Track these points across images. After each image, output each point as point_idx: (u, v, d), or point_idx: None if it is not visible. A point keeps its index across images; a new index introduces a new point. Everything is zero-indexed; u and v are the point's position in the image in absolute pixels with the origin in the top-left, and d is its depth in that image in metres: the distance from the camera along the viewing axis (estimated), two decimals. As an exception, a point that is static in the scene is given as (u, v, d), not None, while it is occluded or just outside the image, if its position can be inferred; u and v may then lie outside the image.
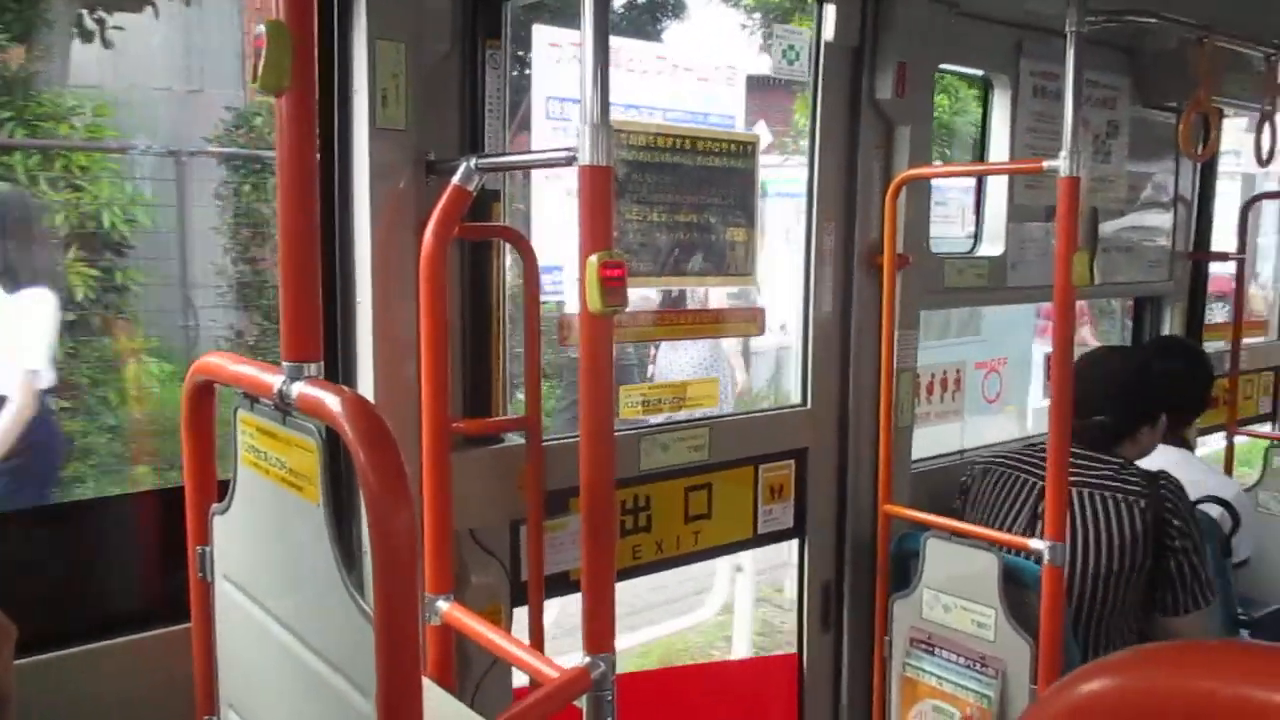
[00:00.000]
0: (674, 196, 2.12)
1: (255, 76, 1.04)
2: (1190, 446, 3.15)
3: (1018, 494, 2.46)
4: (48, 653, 1.53)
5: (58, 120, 4.49)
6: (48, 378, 3.07)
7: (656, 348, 5.70)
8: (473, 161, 1.60)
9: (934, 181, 2.76)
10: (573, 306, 2.10)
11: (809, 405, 2.52)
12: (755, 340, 5.54)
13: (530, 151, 1.65)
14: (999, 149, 2.92)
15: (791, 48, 2.45)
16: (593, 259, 1.27)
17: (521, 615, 1.96)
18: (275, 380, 1.12)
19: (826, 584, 2.60)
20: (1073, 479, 2.15)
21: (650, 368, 5.59)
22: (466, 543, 1.90)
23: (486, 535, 1.94)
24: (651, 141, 2.07)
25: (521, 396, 1.94)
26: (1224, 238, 3.79)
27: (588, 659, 1.36)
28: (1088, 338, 6.10)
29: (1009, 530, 2.40)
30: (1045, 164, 2.07)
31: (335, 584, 1.10)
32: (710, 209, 2.18)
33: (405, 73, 1.70)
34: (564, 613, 3.12)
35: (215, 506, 1.39)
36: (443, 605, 1.69)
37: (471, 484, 1.84)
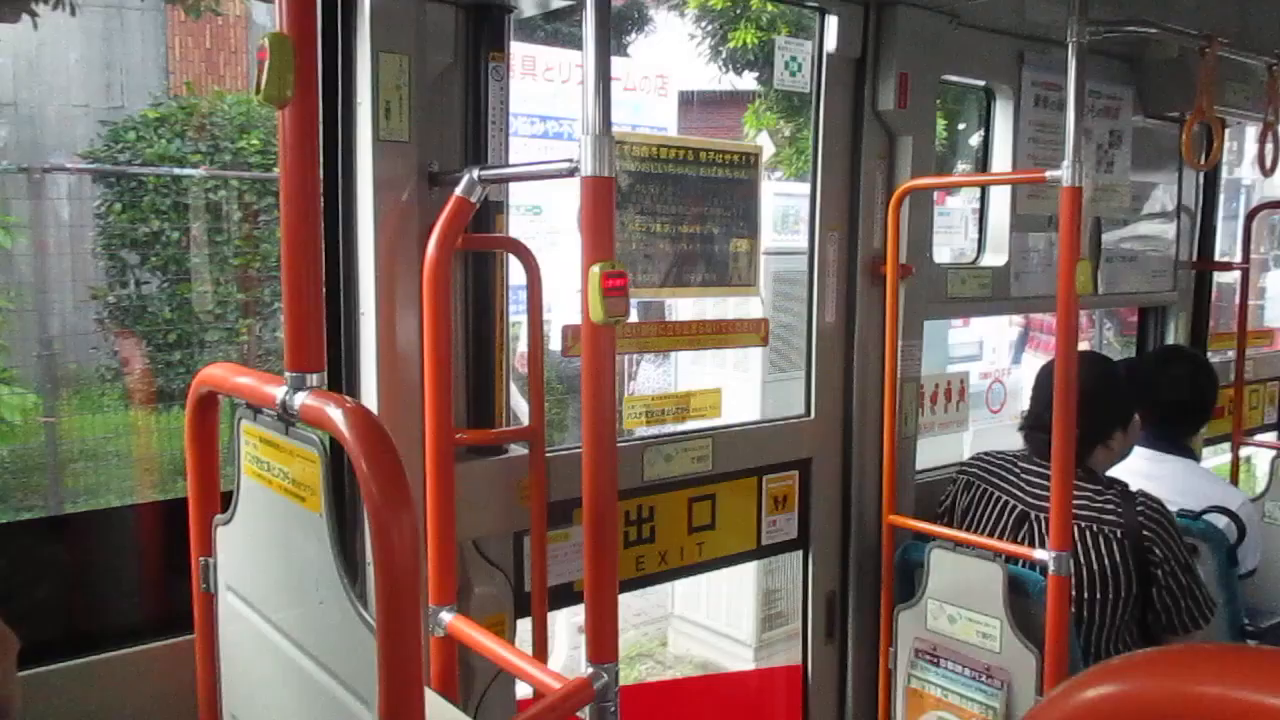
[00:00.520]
0: (677, 207, 2.12)
1: (258, 88, 1.05)
2: (1196, 456, 3.14)
3: (998, 511, 2.44)
4: (51, 664, 1.53)
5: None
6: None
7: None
8: (475, 173, 1.61)
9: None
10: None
11: (812, 415, 2.52)
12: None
13: (533, 163, 1.66)
14: (1001, 159, 2.92)
15: (794, 59, 2.46)
16: (595, 269, 1.27)
17: (525, 626, 1.96)
18: (278, 391, 1.12)
19: (830, 595, 2.59)
20: (1045, 502, 2.16)
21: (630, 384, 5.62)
22: (470, 554, 1.90)
23: (490, 546, 1.94)
24: (654, 153, 2.08)
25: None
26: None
27: (591, 669, 1.36)
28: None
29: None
30: (1048, 174, 2.08)
31: (338, 594, 1.10)
32: (713, 220, 2.18)
33: (408, 85, 1.70)
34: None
35: (218, 517, 1.39)
36: (446, 616, 1.69)
37: (475, 494, 1.84)
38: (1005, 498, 2.44)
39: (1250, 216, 3.73)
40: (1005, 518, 2.42)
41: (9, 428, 4.39)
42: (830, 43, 2.41)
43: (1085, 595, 2.28)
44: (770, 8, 9.02)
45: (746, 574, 4.54)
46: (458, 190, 1.62)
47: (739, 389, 4.50)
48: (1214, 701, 0.46)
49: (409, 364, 1.74)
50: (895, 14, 2.42)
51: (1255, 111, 3.08)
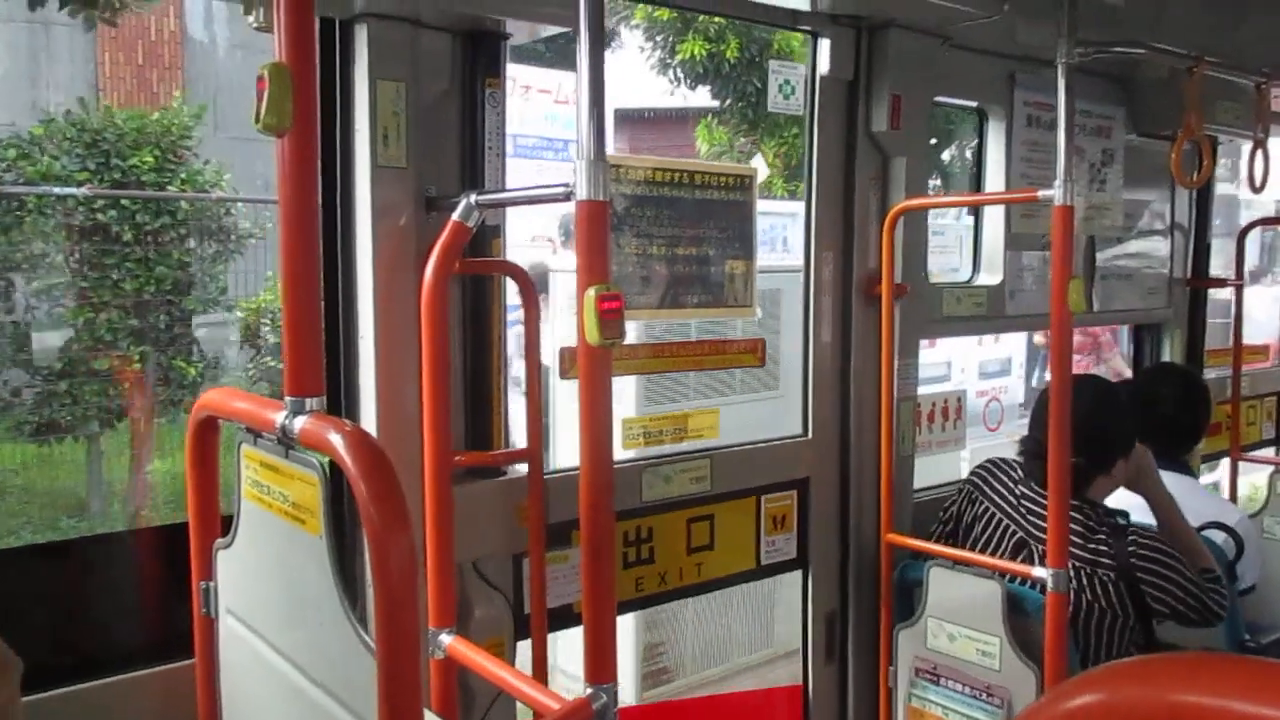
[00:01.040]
0: (672, 230, 2.14)
1: (257, 117, 1.06)
2: (1194, 473, 3.15)
3: (999, 535, 2.43)
4: (52, 689, 1.53)
5: None
6: None
7: None
8: (472, 198, 1.62)
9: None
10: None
11: (810, 435, 2.53)
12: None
13: (529, 188, 1.67)
14: (995, 179, 2.94)
15: (787, 82, 2.48)
16: (590, 292, 1.29)
17: (525, 648, 1.96)
18: (278, 415, 1.13)
19: (830, 614, 2.59)
20: (1042, 534, 2.15)
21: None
22: (469, 576, 1.91)
23: (489, 568, 1.95)
24: (650, 176, 2.10)
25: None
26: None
27: (589, 690, 1.36)
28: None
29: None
30: (1040, 193, 2.10)
31: (338, 617, 1.11)
32: (709, 241, 2.20)
33: (405, 111, 1.72)
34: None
35: (219, 541, 1.39)
36: (446, 639, 1.69)
37: (473, 517, 1.85)
38: (1006, 521, 2.43)
39: (1243, 233, 3.75)
40: (1005, 542, 2.40)
41: None
42: (823, 65, 2.44)
43: (1084, 621, 2.27)
44: (717, 20, 9.03)
45: (625, 627, 4.32)
46: (455, 215, 1.64)
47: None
48: (1199, 711, 0.46)
49: (407, 387, 1.75)
50: (887, 36, 2.44)
51: (1245, 129, 3.11)
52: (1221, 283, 3.77)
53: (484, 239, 1.84)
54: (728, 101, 9.98)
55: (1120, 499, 2.49)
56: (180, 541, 1.46)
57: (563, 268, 3.84)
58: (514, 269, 1.87)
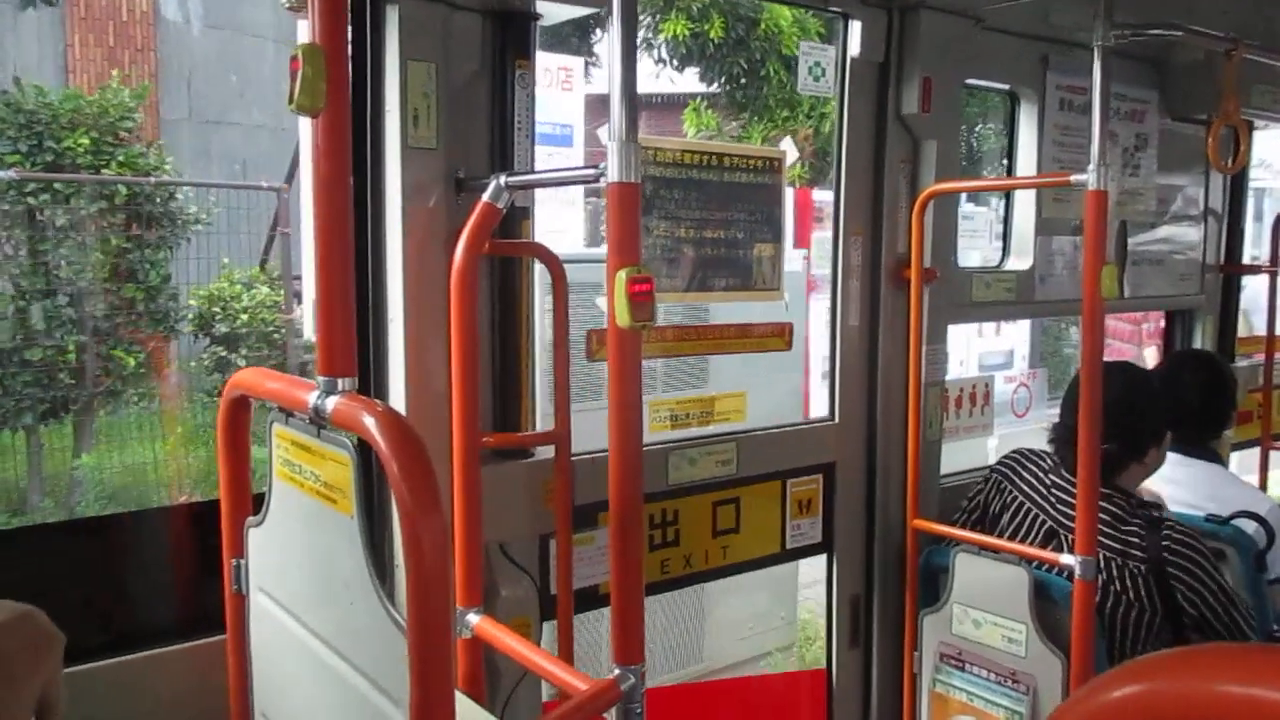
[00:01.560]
0: (701, 213, 2.13)
1: (291, 99, 1.06)
2: (1223, 461, 3.12)
3: (1028, 523, 2.40)
4: (85, 664, 1.56)
5: None
6: None
7: None
8: (502, 179, 1.62)
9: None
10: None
11: (837, 420, 2.52)
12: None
13: (559, 169, 1.67)
14: (1026, 163, 2.91)
15: (818, 64, 2.46)
16: (621, 274, 1.29)
17: (550, 629, 1.97)
18: (310, 395, 1.14)
19: (855, 599, 2.59)
20: (1072, 523, 2.13)
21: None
22: (496, 556, 1.92)
23: (516, 549, 1.96)
24: (679, 158, 2.09)
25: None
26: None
27: (617, 671, 1.37)
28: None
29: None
30: (1073, 178, 2.07)
31: (369, 595, 1.12)
32: (737, 225, 2.19)
33: (436, 93, 1.73)
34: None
35: (250, 519, 1.41)
36: (473, 618, 1.70)
37: (501, 498, 1.86)
38: (1035, 510, 2.40)
39: None
40: (1035, 531, 2.38)
41: None
42: (853, 48, 2.42)
43: (1110, 610, 2.25)
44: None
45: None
46: (484, 196, 1.64)
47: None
48: (1245, 702, 0.46)
49: (436, 368, 1.76)
50: (918, 18, 2.42)
51: None
52: (1255, 269, 3.73)
53: (513, 220, 1.85)
54: (715, 84, 9.80)
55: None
56: (212, 519, 1.48)
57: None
58: (543, 251, 1.87)
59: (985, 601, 2.28)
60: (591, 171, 1.36)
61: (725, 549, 2.33)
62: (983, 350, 8.19)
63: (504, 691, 1.92)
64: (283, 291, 6.38)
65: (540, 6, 1.90)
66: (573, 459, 1.90)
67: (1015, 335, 8.33)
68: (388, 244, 1.75)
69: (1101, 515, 2.24)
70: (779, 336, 2.39)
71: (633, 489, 1.37)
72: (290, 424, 1.26)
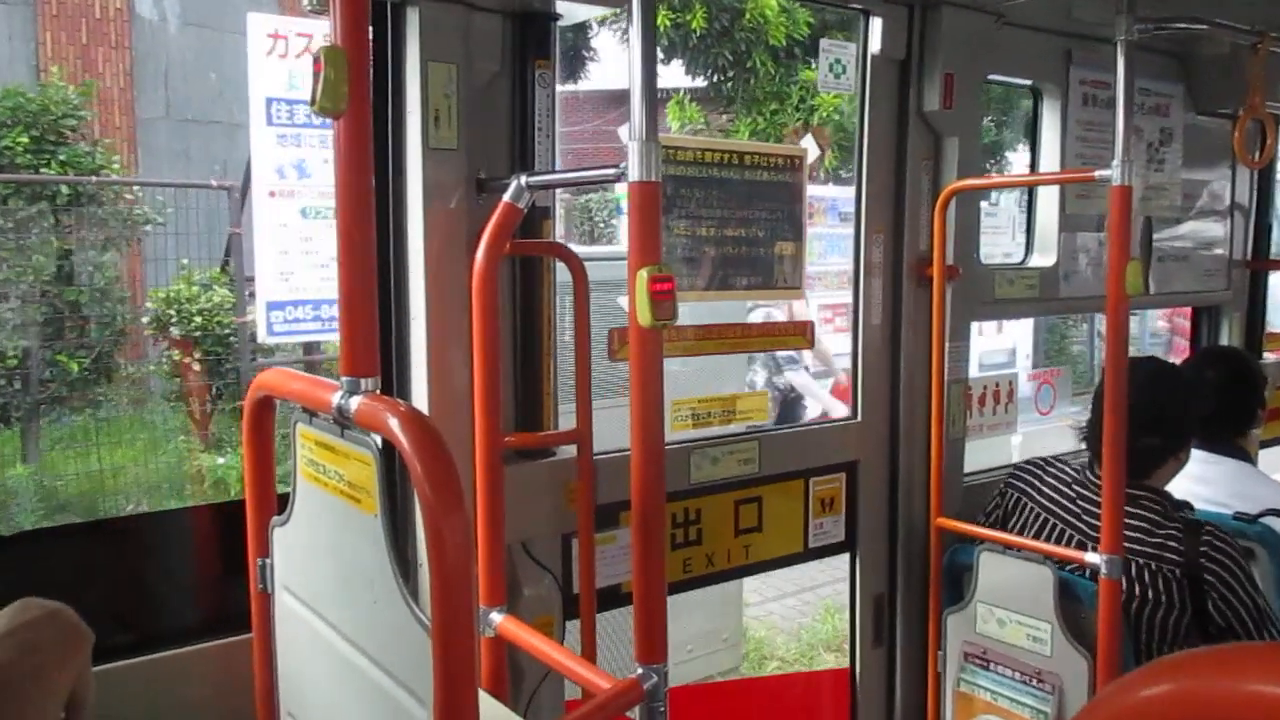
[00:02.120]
0: (722, 211, 2.13)
1: (313, 100, 1.07)
2: (1252, 459, 3.09)
3: (1056, 536, 2.36)
4: (114, 662, 1.57)
5: None
6: None
7: None
8: (523, 179, 1.63)
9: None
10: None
11: (859, 418, 2.51)
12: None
13: (580, 169, 1.67)
14: (1049, 159, 2.89)
15: (838, 61, 2.45)
16: (642, 273, 1.29)
17: (573, 628, 1.98)
18: (333, 395, 1.14)
19: (879, 598, 2.58)
20: (1095, 536, 2.10)
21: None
22: (519, 555, 1.92)
23: (538, 548, 1.96)
24: (699, 157, 2.09)
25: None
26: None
27: (640, 670, 1.37)
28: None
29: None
30: (1097, 173, 2.06)
31: (393, 594, 1.12)
32: (758, 223, 2.19)
33: (456, 93, 1.73)
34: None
35: (275, 519, 1.41)
36: (496, 617, 1.71)
37: (523, 497, 1.86)
38: (1058, 523, 2.36)
39: None
40: (1062, 543, 2.35)
41: None
42: (874, 44, 2.41)
43: (1136, 610, 2.22)
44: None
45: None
46: (505, 196, 1.64)
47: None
48: (1275, 702, 0.45)
49: (458, 368, 1.76)
50: (940, 14, 2.41)
51: None
52: (1283, 265, 3.68)
53: (534, 220, 1.85)
54: (699, 78, 9.62)
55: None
56: (237, 519, 1.49)
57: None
58: (564, 250, 1.88)
59: (1010, 600, 2.27)
60: (612, 171, 1.37)
61: (747, 548, 2.32)
62: (984, 349, 8.12)
63: (527, 690, 1.93)
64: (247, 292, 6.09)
65: (560, 7, 1.90)
66: (595, 458, 1.90)
67: (1018, 333, 8.24)
68: (409, 244, 1.76)
69: (1138, 520, 2.22)
70: (800, 335, 2.39)
71: (655, 488, 1.37)
72: (314, 424, 1.26)
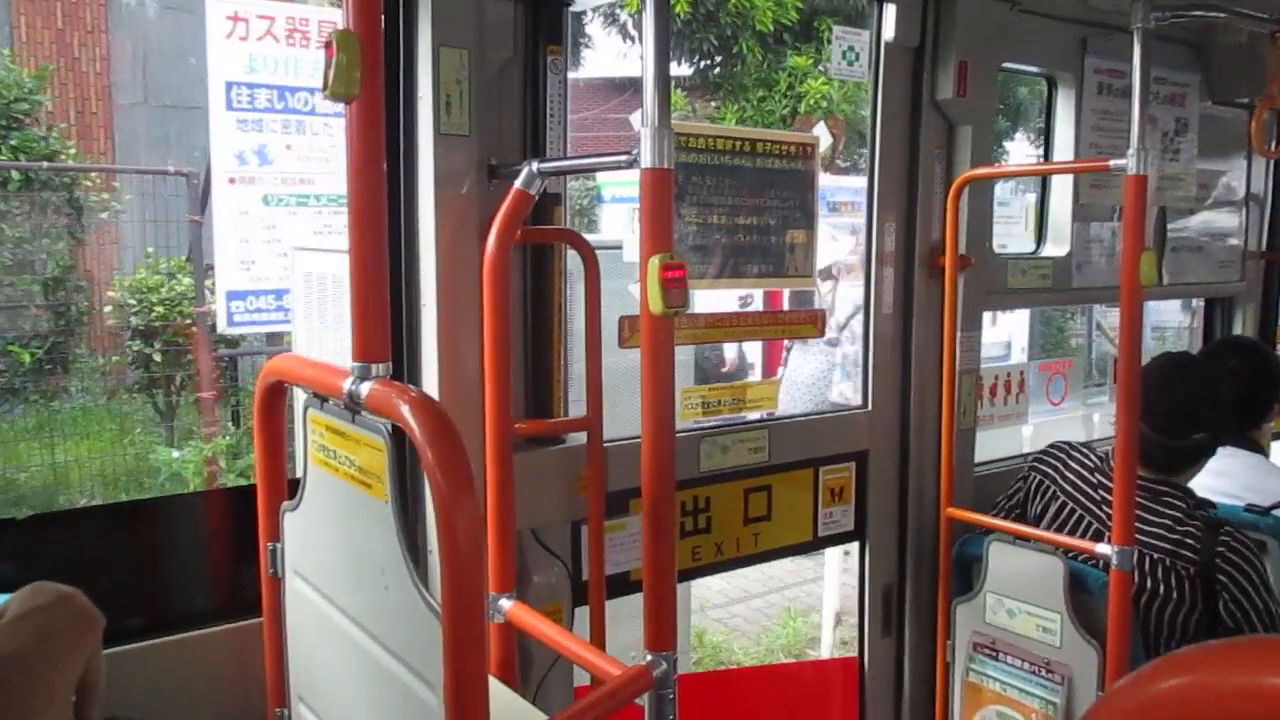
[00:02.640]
0: (733, 199, 2.12)
1: (326, 85, 1.07)
2: (1265, 451, 3.07)
3: (1080, 528, 2.35)
4: (125, 645, 1.58)
5: None
6: None
7: (788, 351, 5.59)
8: (534, 166, 1.62)
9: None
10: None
11: (869, 407, 2.51)
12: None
13: (591, 155, 1.67)
14: (1063, 148, 2.88)
15: (851, 49, 2.44)
16: (654, 260, 1.28)
17: (582, 615, 1.98)
18: (344, 381, 1.14)
19: (888, 587, 2.58)
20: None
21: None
22: (528, 542, 1.93)
23: (548, 535, 1.97)
24: (711, 144, 2.08)
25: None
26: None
27: (649, 657, 1.37)
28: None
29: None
30: (1112, 163, 2.05)
31: (403, 580, 1.12)
32: (769, 211, 2.18)
33: (468, 79, 1.72)
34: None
35: (286, 504, 1.42)
36: (505, 604, 1.71)
37: (533, 484, 1.86)
38: (1080, 511, 2.35)
39: None
40: (1078, 533, 2.34)
41: None
42: (888, 32, 2.39)
43: (1146, 602, 2.21)
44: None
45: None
46: (517, 183, 1.64)
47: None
48: None
49: (469, 355, 1.76)
50: (954, 2, 2.39)
51: None
52: (1298, 256, 3.66)
53: (545, 207, 1.85)
54: (685, 65, 9.46)
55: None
56: (249, 503, 1.49)
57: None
58: (575, 237, 1.87)
59: (1019, 591, 2.27)
60: (624, 157, 1.36)
61: (757, 536, 2.32)
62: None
63: (536, 676, 1.93)
64: (209, 282, 5.78)
65: (572, -8, 1.89)
66: (605, 445, 1.90)
67: (1013, 325, 8.16)
68: (421, 231, 1.76)
69: (1161, 517, 2.22)
70: (811, 324, 2.38)
71: (665, 476, 1.37)
72: (325, 410, 1.26)
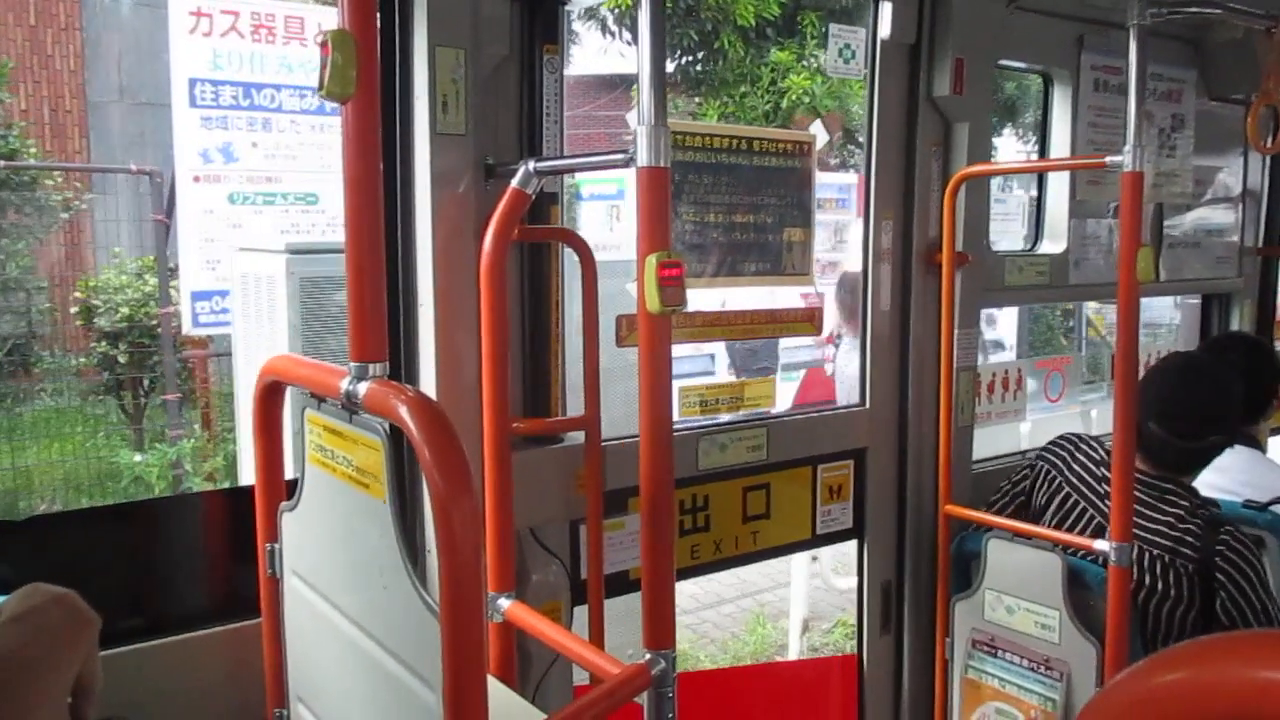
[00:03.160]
0: (730, 197, 2.12)
1: (321, 85, 1.07)
2: (1262, 446, 3.07)
3: (1084, 522, 2.35)
4: (122, 646, 1.58)
5: None
6: None
7: (837, 345, 5.56)
8: (531, 165, 1.62)
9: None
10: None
11: (868, 405, 2.51)
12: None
13: (587, 154, 1.66)
14: (1060, 145, 2.88)
15: (847, 46, 2.44)
16: (651, 259, 1.28)
17: (581, 614, 1.98)
18: (341, 381, 1.14)
19: (886, 585, 2.58)
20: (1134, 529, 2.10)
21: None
22: (527, 542, 1.93)
23: (546, 534, 1.96)
24: (707, 143, 2.08)
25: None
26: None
27: (648, 655, 1.37)
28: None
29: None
30: (1108, 159, 2.05)
31: (401, 580, 1.12)
32: (766, 209, 2.18)
33: (464, 78, 1.72)
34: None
35: (284, 504, 1.42)
36: (504, 603, 1.71)
37: (531, 483, 1.86)
38: (1083, 504, 2.35)
39: None
40: (1080, 525, 2.34)
41: None
42: (884, 29, 2.39)
43: (1144, 599, 2.21)
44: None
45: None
46: (513, 182, 1.64)
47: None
48: None
49: (467, 354, 1.76)
50: None
51: None
52: (1295, 250, 3.66)
53: (542, 206, 1.84)
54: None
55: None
56: (246, 503, 1.49)
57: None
58: (572, 236, 1.87)
59: (1018, 587, 2.27)
60: (621, 156, 1.36)
61: (755, 534, 2.32)
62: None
63: (535, 676, 1.93)
64: (174, 284, 5.64)
65: (568, -10, 1.89)
66: (603, 444, 1.90)
67: (1002, 324, 8.15)
68: (417, 230, 1.75)
69: (1164, 515, 2.22)
70: (808, 321, 2.38)
71: (663, 474, 1.37)
72: (322, 409, 1.26)
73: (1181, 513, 2.23)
